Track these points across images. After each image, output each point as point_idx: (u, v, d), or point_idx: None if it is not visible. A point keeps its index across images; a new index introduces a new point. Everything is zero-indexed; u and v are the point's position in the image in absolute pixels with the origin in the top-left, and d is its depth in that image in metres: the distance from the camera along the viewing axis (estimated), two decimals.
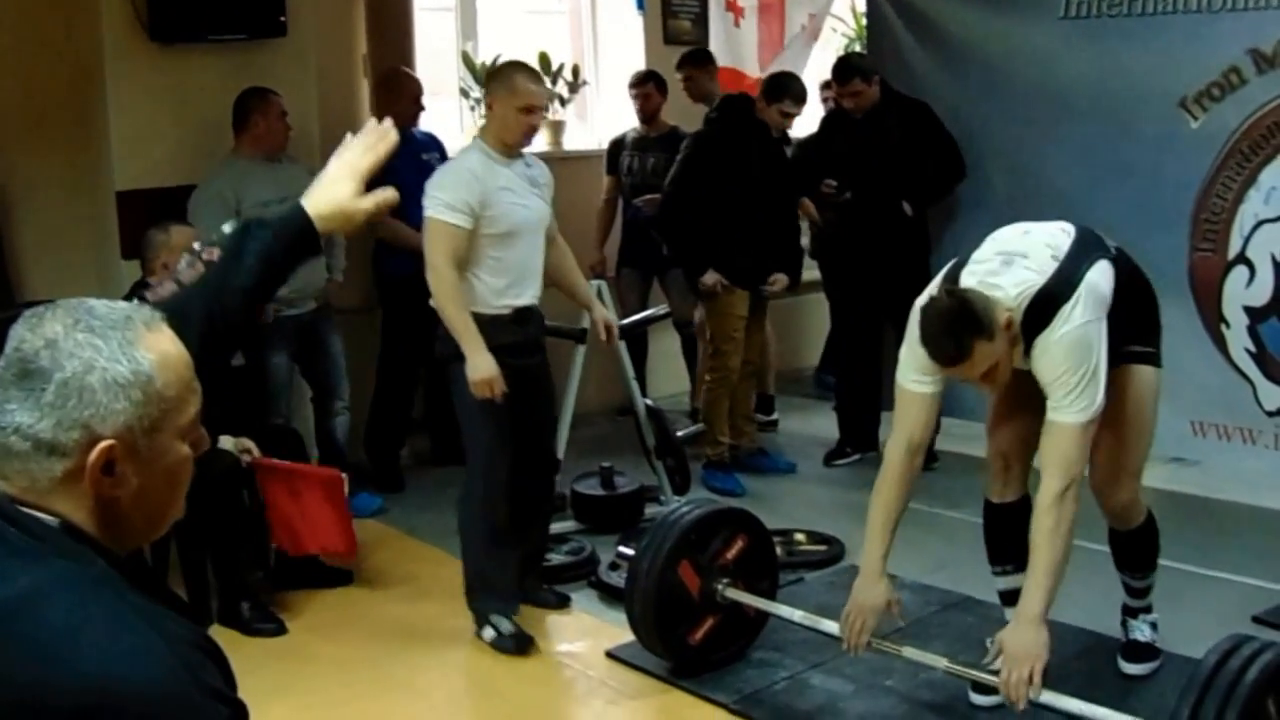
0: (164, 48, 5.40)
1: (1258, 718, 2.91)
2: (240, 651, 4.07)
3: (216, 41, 5.51)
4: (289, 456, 4.96)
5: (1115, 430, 3.56)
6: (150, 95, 5.42)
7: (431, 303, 4.30)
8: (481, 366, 4.17)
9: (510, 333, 4.34)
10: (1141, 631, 4.04)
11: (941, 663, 3.61)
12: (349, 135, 2.07)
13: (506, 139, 4.32)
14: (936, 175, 6.13)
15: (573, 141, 7.64)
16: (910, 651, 3.66)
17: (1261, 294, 5.31)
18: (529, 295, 4.44)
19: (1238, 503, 5.49)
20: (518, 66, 4.59)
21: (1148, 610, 4.04)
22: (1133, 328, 3.55)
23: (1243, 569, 4.74)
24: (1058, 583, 3.35)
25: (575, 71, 7.55)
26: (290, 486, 4.67)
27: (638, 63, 7.54)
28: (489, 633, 4.41)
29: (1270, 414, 5.34)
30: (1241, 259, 5.37)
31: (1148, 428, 3.69)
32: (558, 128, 7.49)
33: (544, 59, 7.37)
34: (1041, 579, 3.33)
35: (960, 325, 3.24)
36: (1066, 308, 3.31)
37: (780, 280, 6.05)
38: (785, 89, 5.94)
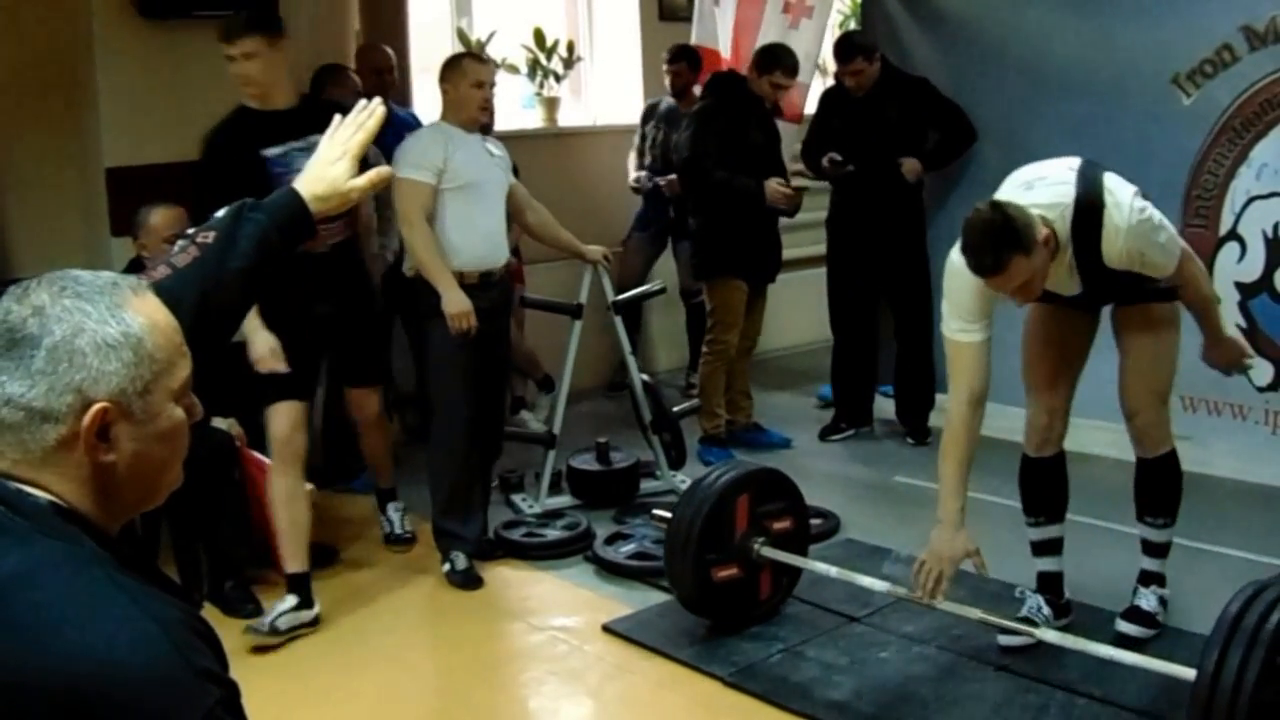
0: (153, 24, 5.38)
1: None
2: (231, 628, 4.12)
3: (206, 17, 5.48)
4: None
5: (1140, 355, 3.86)
6: (140, 72, 5.40)
7: (406, 269, 4.71)
8: (456, 300, 4.53)
9: (477, 298, 4.63)
10: (1148, 601, 4.09)
11: (975, 613, 3.75)
12: (338, 117, 2.09)
13: (463, 115, 4.71)
14: (946, 140, 6.15)
15: (568, 118, 7.64)
16: (947, 605, 3.77)
17: (1252, 270, 5.34)
18: (493, 258, 4.75)
19: (1228, 478, 5.50)
20: (463, 54, 5.22)
21: (1161, 582, 4.10)
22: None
23: (1233, 543, 4.76)
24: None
25: (570, 48, 7.55)
26: (264, 486, 4.65)
27: (633, 39, 7.54)
28: (446, 566, 4.77)
29: (1261, 390, 5.37)
30: (1233, 235, 5.39)
31: (1171, 353, 3.90)
32: (553, 104, 7.49)
33: (539, 35, 7.37)
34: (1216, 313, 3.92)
35: (1000, 239, 3.37)
36: (1110, 204, 3.52)
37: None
38: (777, 61, 5.95)
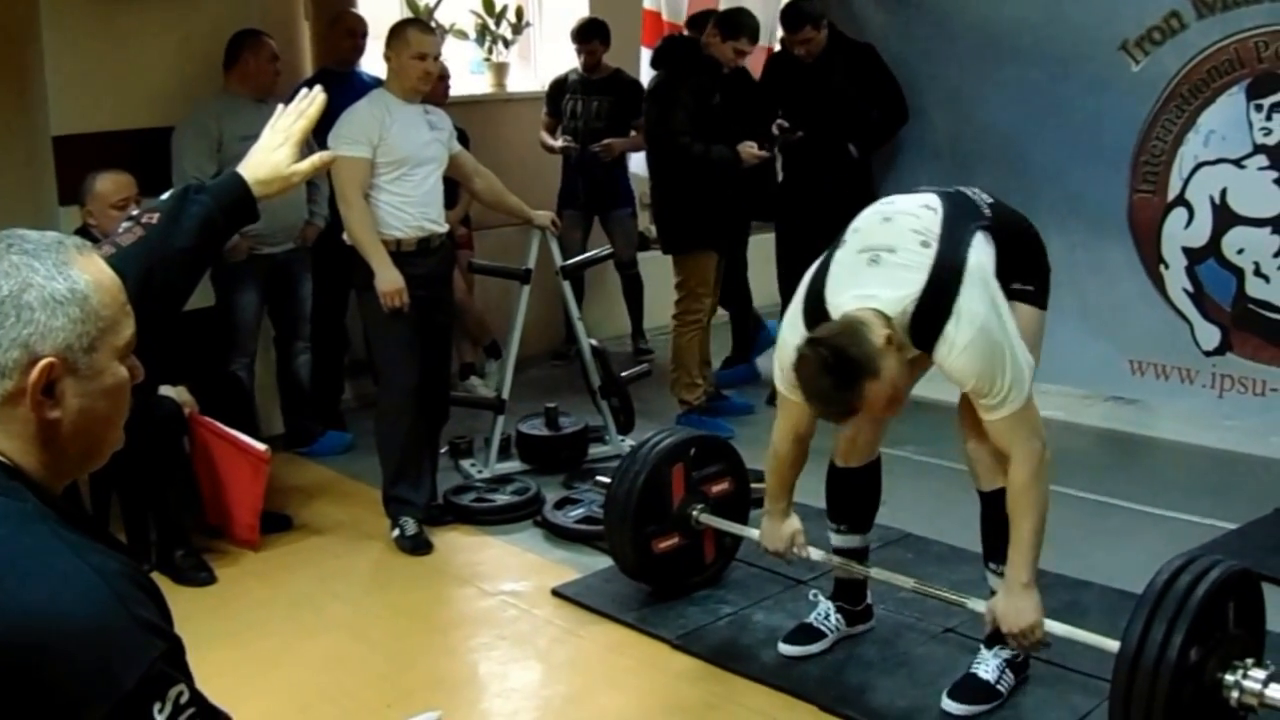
0: None
1: (1212, 630, 2.96)
2: (180, 595, 4.10)
3: None
4: (232, 407, 4.94)
5: None
6: (87, 39, 5.31)
7: (345, 237, 4.69)
8: (388, 278, 4.55)
9: (416, 265, 4.66)
10: (987, 667, 3.53)
11: (909, 583, 3.70)
12: (281, 106, 2.17)
13: (404, 86, 4.66)
14: (881, 119, 6.13)
15: (516, 83, 7.59)
16: (878, 572, 3.78)
17: (1200, 235, 5.37)
18: (431, 223, 4.74)
19: (1175, 441, 5.57)
20: (410, 21, 5.11)
21: (1005, 643, 3.42)
22: (1013, 269, 3.30)
23: (1178, 505, 4.81)
24: (1039, 551, 3.22)
25: (519, 13, 7.50)
26: (219, 452, 4.65)
27: (581, 4, 7.48)
28: (395, 532, 4.78)
29: (1207, 354, 5.42)
30: (1180, 200, 5.42)
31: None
32: (501, 70, 7.45)
33: (487, 1, 7.32)
34: (1025, 550, 3.19)
35: (843, 377, 2.96)
36: (959, 304, 3.05)
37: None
38: (742, 27, 5.87)
